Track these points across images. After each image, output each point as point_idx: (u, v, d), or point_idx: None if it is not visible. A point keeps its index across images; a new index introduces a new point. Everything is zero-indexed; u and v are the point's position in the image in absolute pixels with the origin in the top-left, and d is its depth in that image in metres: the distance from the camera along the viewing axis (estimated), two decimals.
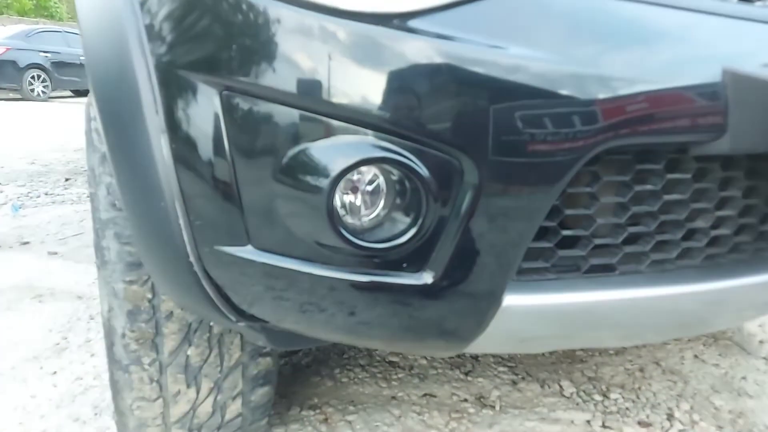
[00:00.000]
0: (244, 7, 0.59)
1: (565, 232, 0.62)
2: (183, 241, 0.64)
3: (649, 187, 0.63)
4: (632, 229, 0.65)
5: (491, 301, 0.61)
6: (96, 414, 1.26)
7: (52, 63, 10.91)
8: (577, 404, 1.33)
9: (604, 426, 1.25)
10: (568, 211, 0.61)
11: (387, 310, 0.62)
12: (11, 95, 10.79)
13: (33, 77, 10.61)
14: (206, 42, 0.61)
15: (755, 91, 0.59)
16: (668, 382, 1.45)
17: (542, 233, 0.61)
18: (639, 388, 1.41)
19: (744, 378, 1.48)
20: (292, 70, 0.57)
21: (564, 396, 1.36)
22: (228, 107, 0.60)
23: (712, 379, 1.47)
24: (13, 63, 10.27)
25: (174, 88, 0.63)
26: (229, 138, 0.60)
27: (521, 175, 0.57)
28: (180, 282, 0.66)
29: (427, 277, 0.60)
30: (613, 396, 1.37)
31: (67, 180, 3.65)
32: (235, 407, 0.91)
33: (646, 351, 1.61)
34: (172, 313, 0.79)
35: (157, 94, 0.63)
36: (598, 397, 1.36)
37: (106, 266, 0.80)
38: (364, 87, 0.56)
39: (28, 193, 3.31)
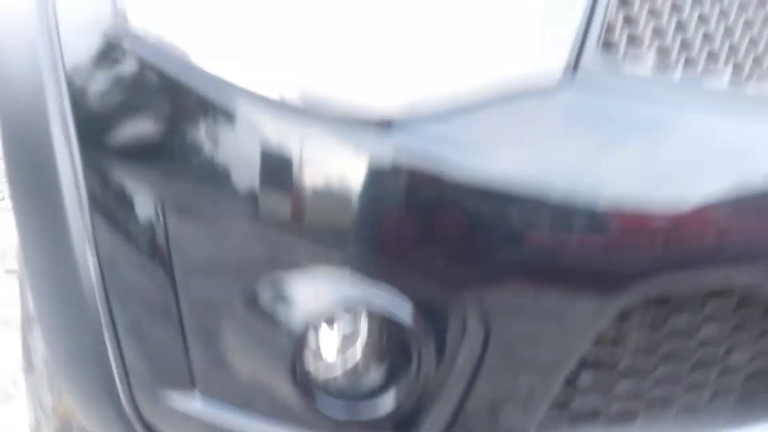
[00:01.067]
0: (192, 100, 0.46)
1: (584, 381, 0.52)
2: (113, 377, 0.52)
3: (684, 323, 0.52)
4: (660, 371, 0.54)
5: None
6: None
7: None
8: None
9: None
10: (593, 359, 0.50)
11: None
12: None
13: None
14: (147, 133, 0.49)
15: None
16: None
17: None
18: None
19: None
20: (249, 180, 0.45)
21: None
22: (172, 219, 0.48)
23: None
24: None
25: (103, 184, 0.51)
26: (173, 257, 0.48)
27: (542, 323, 0.46)
28: (107, 423, 0.54)
29: None
30: None
31: None
32: None
33: None
34: None
35: (81, 188, 0.51)
36: None
37: (33, 371, 0.67)
38: (336, 210, 0.44)
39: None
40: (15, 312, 1.78)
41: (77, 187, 0.51)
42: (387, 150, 0.43)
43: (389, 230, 0.44)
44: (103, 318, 0.51)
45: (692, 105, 0.48)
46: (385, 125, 0.43)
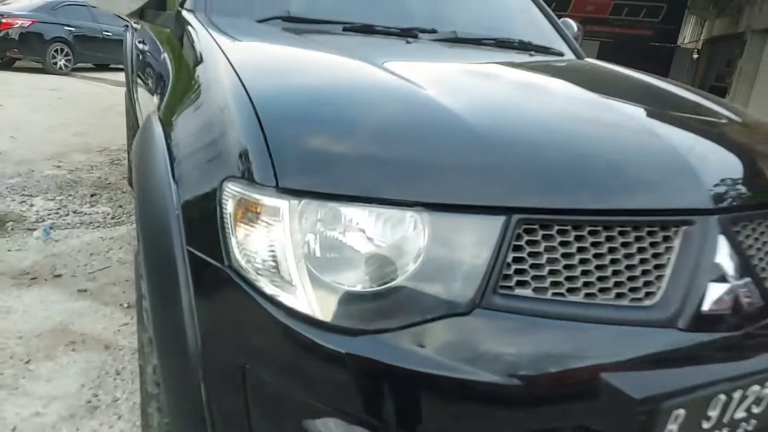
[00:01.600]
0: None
1: None
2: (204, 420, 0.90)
3: None
4: None
5: None
6: None
7: (75, 37, 11.11)
8: None
9: None
10: None
11: None
12: (33, 65, 11.04)
13: (56, 51, 10.82)
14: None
15: None
16: None
17: None
18: None
19: None
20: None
21: None
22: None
23: None
24: (39, 36, 10.47)
25: (202, 277, 0.89)
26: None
27: None
28: None
29: None
30: None
31: (92, 196, 3.92)
32: None
33: None
34: None
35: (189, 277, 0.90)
36: None
37: (149, 430, 1.06)
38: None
39: (57, 209, 3.58)
40: (89, 329, 2.15)
41: (188, 290, 0.89)
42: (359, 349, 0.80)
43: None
44: (204, 394, 0.88)
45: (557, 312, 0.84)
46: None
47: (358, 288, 0.82)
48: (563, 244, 0.87)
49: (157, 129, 1.17)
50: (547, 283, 0.86)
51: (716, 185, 0.98)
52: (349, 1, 1.80)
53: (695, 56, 13.11)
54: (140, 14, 1.78)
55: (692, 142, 1.10)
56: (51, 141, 5.45)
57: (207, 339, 0.87)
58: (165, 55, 1.62)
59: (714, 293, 0.92)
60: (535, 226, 0.86)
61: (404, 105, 1.03)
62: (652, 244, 0.92)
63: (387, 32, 1.69)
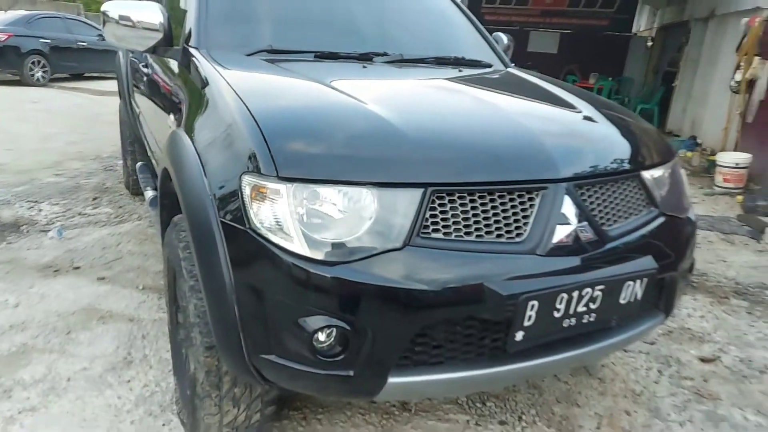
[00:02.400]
0: None
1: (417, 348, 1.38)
2: (240, 341, 1.38)
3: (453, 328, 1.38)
4: (449, 346, 1.40)
5: (382, 380, 1.37)
6: (162, 410, 2.02)
7: (51, 48, 11.33)
8: (464, 409, 2.12)
9: (476, 425, 2.04)
10: (419, 339, 1.37)
11: (332, 384, 1.37)
12: (8, 78, 11.22)
13: (33, 63, 11.03)
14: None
15: None
16: (529, 393, 2.24)
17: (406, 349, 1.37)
18: (507, 398, 2.20)
19: (579, 392, 2.28)
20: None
21: (457, 403, 2.15)
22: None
23: (558, 392, 2.27)
24: (16, 49, 10.69)
25: (234, 245, 1.37)
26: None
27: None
28: (239, 366, 1.41)
29: (350, 372, 1.35)
30: (488, 404, 2.16)
31: (95, 199, 4.33)
32: (256, 416, 1.67)
33: None
34: (227, 372, 1.54)
35: (224, 246, 1.38)
36: (479, 405, 2.15)
37: (193, 347, 1.54)
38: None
39: (64, 212, 3.99)
40: (114, 308, 2.59)
41: (223, 246, 1.37)
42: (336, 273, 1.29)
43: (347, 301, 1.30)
44: (236, 310, 1.36)
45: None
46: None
47: (334, 239, 1.31)
48: (462, 204, 1.38)
49: (186, 140, 1.64)
50: (451, 230, 1.37)
51: (563, 161, 1.50)
52: (317, 34, 2.27)
53: (649, 44, 13.81)
54: (153, 50, 2.23)
55: (550, 131, 1.62)
56: (46, 151, 5.81)
57: (237, 276, 1.35)
58: (177, 82, 2.08)
59: (561, 232, 1.43)
60: (443, 194, 1.37)
61: (354, 116, 1.53)
62: (521, 203, 1.43)
63: (348, 57, 2.18)
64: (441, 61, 2.38)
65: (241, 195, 1.35)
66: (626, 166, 1.66)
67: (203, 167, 1.50)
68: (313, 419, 2.00)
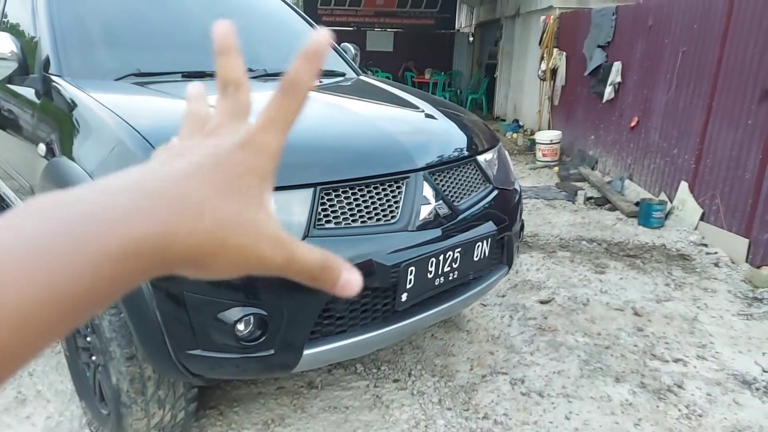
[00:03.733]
0: None
1: (325, 322, 1.65)
2: (166, 343, 1.53)
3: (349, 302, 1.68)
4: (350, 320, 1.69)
5: (298, 353, 1.61)
6: None
7: None
8: (363, 376, 2.43)
9: (375, 386, 2.37)
10: (325, 314, 1.64)
11: (256, 364, 1.59)
12: None
13: None
14: None
15: None
16: (413, 353, 2.63)
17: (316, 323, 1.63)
18: (397, 361, 2.56)
19: (453, 345, 2.72)
20: None
21: (356, 373, 2.45)
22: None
23: (437, 348, 2.68)
24: None
25: None
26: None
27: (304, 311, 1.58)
28: (166, 365, 1.56)
29: (271, 351, 1.58)
30: (383, 368, 2.50)
31: None
32: (181, 414, 1.81)
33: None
34: (150, 377, 1.67)
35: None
36: (375, 370, 2.48)
37: (113, 361, 1.65)
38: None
39: None
40: None
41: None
42: None
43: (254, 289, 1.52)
44: (158, 316, 1.51)
45: None
46: None
47: None
48: (346, 197, 1.68)
49: (72, 165, 1.71)
50: (341, 219, 1.66)
51: (418, 155, 1.87)
52: (185, 55, 2.38)
53: (471, 39, 15.34)
54: (8, 80, 2.17)
55: (403, 131, 1.99)
56: None
57: (155, 284, 1.50)
58: (41, 112, 2.08)
59: (424, 211, 1.80)
60: (330, 191, 1.65)
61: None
62: (392, 191, 1.77)
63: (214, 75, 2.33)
64: None
65: None
66: (465, 153, 2.09)
67: None
68: (230, 413, 2.16)
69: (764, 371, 2.54)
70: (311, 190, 1.61)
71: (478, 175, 2.12)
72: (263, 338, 1.56)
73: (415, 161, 1.84)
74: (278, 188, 1.65)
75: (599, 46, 6.05)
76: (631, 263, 3.80)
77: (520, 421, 2.16)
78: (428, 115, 2.28)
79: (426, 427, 2.12)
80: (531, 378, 2.44)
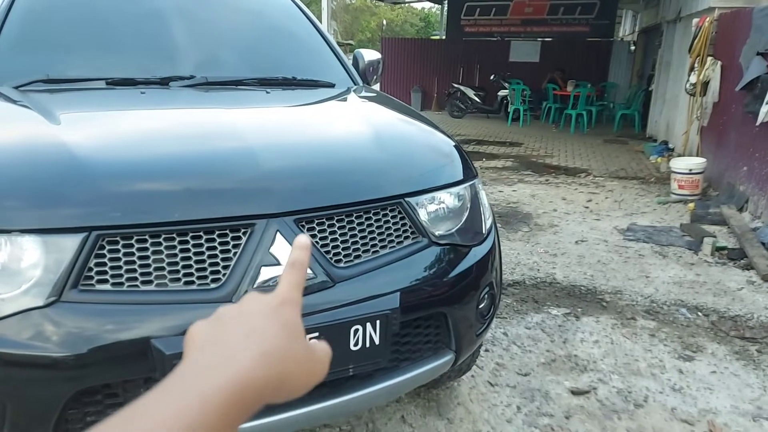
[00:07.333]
0: None
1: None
2: None
3: None
4: None
5: None
6: None
7: None
8: None
9: None
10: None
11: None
12: None
13: None
14: None
15: None
16: None
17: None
18: None
19: None
20: None
21: None
22: None
23: None
24: None
25: None
26: None
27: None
28: None
29: None
30: None
31: None
32: None
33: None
34: None
35: None
36: None
37: None
38: None
39: None
40: None
41: None
42: None
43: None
44: None
45: None
46: None
47: None
48: (140, 249, 1.21)
49: None
50: (124, 279, 1.20)
51: (285, 194, 1.33)
52: (115, 59, 2.09)
53: (632, 48, 13.56)
54: None
55: (286, 161, 1.45)
56: None
57: None
58: None
59: (265, 275, 1.26)
60: (117, 237, 1.20)
61: (45, 162, 1.33)
62: (222, 243, 1.26)
63: (149, 82, 2.01)
64: (264, 82, 2.22)
65: None
66: (384, 193, 1.48)
67: None
68: None
69: None
70: (81, 235, 1.18)
71: (400, 223, 1.50)
72: None
73: (273, 202, 1.31)
74: (21, 231, 1.14)
75: (759, 54, 4.68)
76: (740, 350, 2.71)
77: None
78: (358, 142, 1.68)
79: None
80: None
